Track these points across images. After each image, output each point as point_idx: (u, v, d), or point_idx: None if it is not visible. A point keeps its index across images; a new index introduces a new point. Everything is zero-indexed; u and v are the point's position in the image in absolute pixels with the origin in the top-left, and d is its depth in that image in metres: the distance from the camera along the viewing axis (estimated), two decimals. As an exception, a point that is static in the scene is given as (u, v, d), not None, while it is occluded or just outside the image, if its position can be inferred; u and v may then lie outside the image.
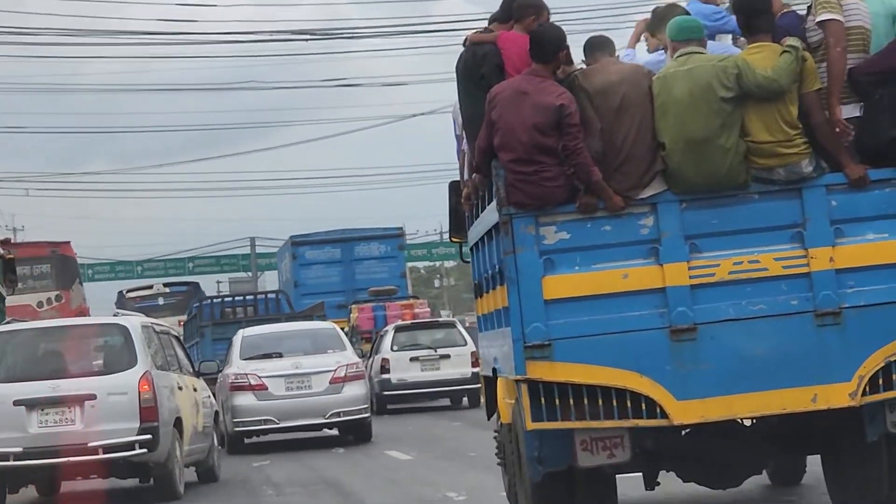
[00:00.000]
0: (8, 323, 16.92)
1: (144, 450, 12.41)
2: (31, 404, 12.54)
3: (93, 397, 12.49)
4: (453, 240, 10.04)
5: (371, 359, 23.91)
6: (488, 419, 9.48)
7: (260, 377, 17.43)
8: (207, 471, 14.54)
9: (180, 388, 13.68)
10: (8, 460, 12.35)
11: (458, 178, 8.85)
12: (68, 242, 27.32)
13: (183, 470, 13.45)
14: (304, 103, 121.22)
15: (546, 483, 7.51)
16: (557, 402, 6.91)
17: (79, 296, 25.66)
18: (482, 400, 10.13)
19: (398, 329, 23.55)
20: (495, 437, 9.24)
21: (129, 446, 12.39)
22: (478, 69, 7.35)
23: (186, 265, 54.67)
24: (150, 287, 40.79)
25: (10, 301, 22.28)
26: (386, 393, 22.89)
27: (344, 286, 30.19)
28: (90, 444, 12.30)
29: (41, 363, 13.55)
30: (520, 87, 7.02)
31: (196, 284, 42.45)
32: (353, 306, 27.77)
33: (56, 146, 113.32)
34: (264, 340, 18.56)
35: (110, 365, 13.11)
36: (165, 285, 40.94)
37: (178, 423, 13.16)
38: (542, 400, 6.94)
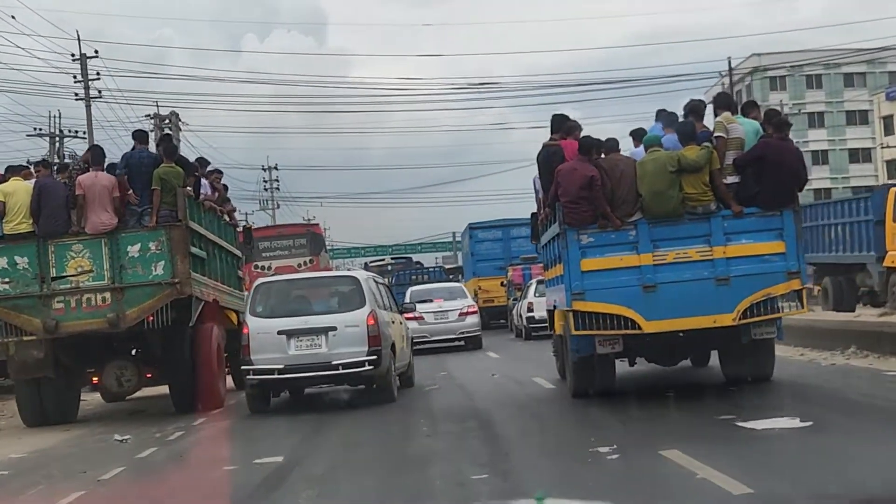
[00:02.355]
0: (272, 275, 23.93)
1: (372, 367, 15.21)
2: (290, 334, 15.23)
3: (334, 329, 15.23)
4: (533, 241, 16.75)
5: (521, 302, 32.09)
6: (551, 332, 16.29)
7: (420, 312, 27.51)
8: (407, 379, 18.00)
9: (392, 322, 16.65)
10: (273, 374, 15.20)
11: (535, 211, 15.61)
12: (318, 223, 37.88)
13: (396, 379, 16.37)
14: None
15: (580, 362, 13.85)
16: (587, 321, 12.92)
17: (325, 260, 34.29)
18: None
19: (539, 282, 27.89)
20: (553, 342, 16.35)
21: (361, 364, 15.15)
22: (551, 157, 13.95)
23: (417, 248, 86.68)
24: (384, 259, 59.70)
25: (279, 263, 33.06)
26: (531, 325, 29.95)
27: (503, 255, 39.96)
28: (333, 363, 15.14)
29: (296, 304, 16.31)
30: (572, 165, 13.34)
31: (409, 258, 63.22)
32: (509, 267, 37.84)
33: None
34: (423, 292, 29.37)
35: (346, 305, 15.82)
36: (392, 258, 61.14)
37: (392, 346, 16.01)
38: (580, 320, 12.93)
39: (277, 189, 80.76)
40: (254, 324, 15.44)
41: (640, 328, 12.83)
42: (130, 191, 16.18)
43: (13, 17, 60.29)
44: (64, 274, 15.85)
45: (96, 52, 45.46)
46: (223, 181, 20.57)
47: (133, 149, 16.87)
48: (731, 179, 13.06)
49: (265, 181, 79.78)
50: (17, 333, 15.87)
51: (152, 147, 18.23)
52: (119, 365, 16.69)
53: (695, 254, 12.86)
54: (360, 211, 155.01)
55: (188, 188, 16.53)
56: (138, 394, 18.82)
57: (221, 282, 18.28)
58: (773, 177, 12.89)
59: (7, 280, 15.95)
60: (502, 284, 38.51)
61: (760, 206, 12.93)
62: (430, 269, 52.46)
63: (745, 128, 13.29)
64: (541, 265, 21.53)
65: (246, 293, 20.24)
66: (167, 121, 50.91)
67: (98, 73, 45.25)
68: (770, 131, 13.39)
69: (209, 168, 20.21)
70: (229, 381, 19.51)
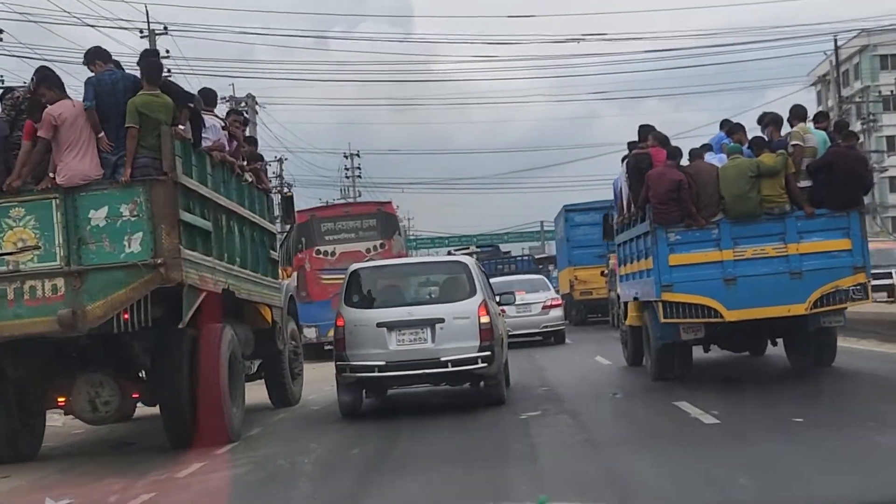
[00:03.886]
0: (335, 261, 22.64)
1: (485, 364, 13.65)
2: (391, 326, 13.66)
3: (441, 321, 13.67)
4: (605, 240, 18.82)
5: None
6: (621, 324, 17.74)
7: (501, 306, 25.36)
8: (505, 378, 15.48)
9: (498, 314, 15.28)
10: (373, 372, 13.68)
11: (607, 213, 17.26)
12: (390, 202, 32.07)
13: (504, 377, 14.88)
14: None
15: (663, 349, 15.36)
16: (674, 310, 14.44)
17: (398, 244, 29.59)
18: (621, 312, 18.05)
19: None
20: (621, 333, 17.94)
21: (473, 361, 13.59)
22: (640, 163, 15.52)
23: (503, 237, 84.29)
24: (468, 248, 56.12)
25: (344, 247, 28.45)
26: None
27: (603, 241, 34.64)
28: (441, 359, 13.56)
29: (397, 293, 14.82)
30: (661, 170, 14.82)
31: (497, 247, 59.62)
32: (610, 255, 32.95)
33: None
34: (503, 285, 26.24)
35: (453, 294, 14.26)
36: (477, 247, 57.62)
37: (500, 341, 14.48)
38: (668, 309, 14.45)
39: (359, 177, 79.14)
40: (349, 315, 13.89)
41: (721, 317, 14.30)
42: (102, 133, 11.48)
43: None
44: None
45: (165, 28, 42.31)
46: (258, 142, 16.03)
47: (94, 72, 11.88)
48: (804, 183, 14.53)
49: (346, 168, 78.05)
50: None
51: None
52: (92, 381, 12.09)
53: (771, 250, 14.28)
54: (443, 198, 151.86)
55: (180, 126, 11.90)
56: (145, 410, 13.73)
57: (241, 265, 13.83)
58: (841, 181, 14.28)
59: None
60: (603, 274, 34.60)
61: (829, 208, 14.36)
62: (518, 259, 49.03)
63: (817, 136, 14.75)
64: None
65: (285, 281, 17.41)
66: (243, 104, 49.11)
67: (168, 52, 40.94)
68: (839, 140, 14.80)
69: (228, 111, 15.52)
70: (261, 398, 16.32)
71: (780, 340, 16.76)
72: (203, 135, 12.86)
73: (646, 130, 16.16)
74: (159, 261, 11.12)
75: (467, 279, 14.31)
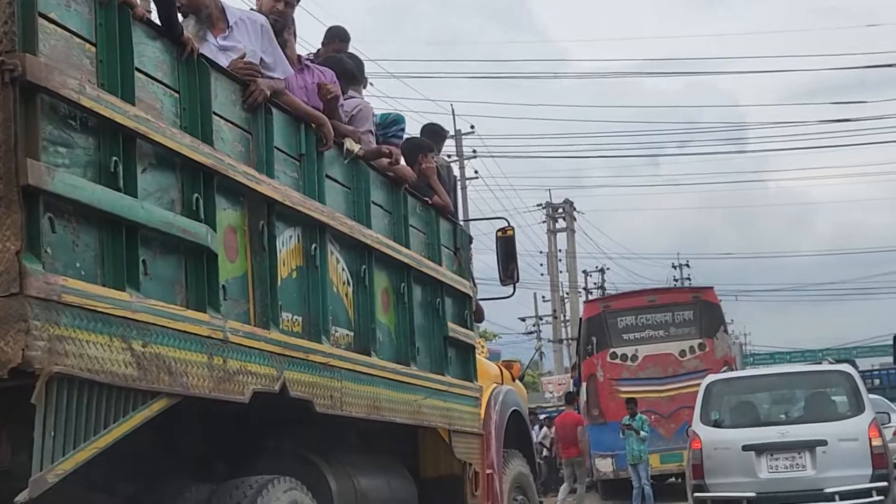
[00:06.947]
0: (636, 367, 19.23)
1: (881, 497, 12.03)
2: (761, 449, 12.27)
3: (823, 443, 12.12)
4: None
5: None
6: None
7: None
8: None
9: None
10: None
11: None
12: (711, 288, 24.77)
13: None
14: None
15: None
16: None
17: (723, 344, 23.41)
18: None
19: None
20: None
21: (866, 493, 11.97)
22: None
23: (851, 353, 68.59)
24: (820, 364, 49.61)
25: (650, 349, 22.26)
26: None
27: None
28: (826, 490, 11.98)
29: (765, 410, 13.62)
30: None
31: (852, 362, 51.46)
32: None
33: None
34: None
35: (835, 411, 12.92)
36: (830, 362, 49.53)
37: (894, 469, 12.74)
38: None
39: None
40: (708, 436, 12.65)
41: None
42: None
43: None
44: None
45: (472, 127, 40.24)
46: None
47: None
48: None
49: (675, 280, 71.77)
50: None
51: None
52: None
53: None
54: (782, 308, 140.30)
55: None
56: None
57: (350, 344, 6.35)
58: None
59: None
60: None
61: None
62: (884, 371, 40.72)
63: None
64: None
65: (502, 387, 9.46)
66: (560, 210, 48.61)
67: (475, 151, 40.10)
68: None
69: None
70: None
71: None
72: (250, 48, 5.84)
73: None
74: None
75: (853, 392, 12.89)
